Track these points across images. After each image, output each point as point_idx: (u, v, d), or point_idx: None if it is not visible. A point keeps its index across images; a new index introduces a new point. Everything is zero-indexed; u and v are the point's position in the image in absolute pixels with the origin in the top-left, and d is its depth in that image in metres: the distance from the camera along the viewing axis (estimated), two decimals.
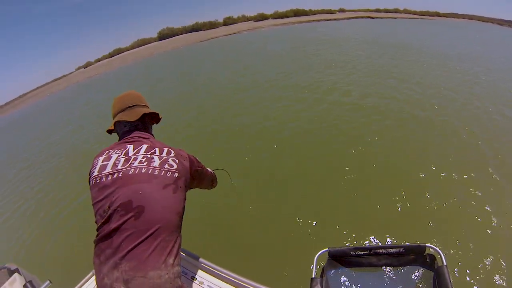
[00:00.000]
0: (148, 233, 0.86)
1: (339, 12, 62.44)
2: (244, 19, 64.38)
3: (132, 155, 1.00)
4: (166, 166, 0.99)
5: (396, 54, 11.01)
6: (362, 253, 1.13)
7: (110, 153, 1.03)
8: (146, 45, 66.12)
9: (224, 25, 64.00)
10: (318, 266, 1.15)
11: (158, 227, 0.88)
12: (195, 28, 64.52)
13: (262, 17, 59.54)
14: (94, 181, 0.97)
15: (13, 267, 1.61)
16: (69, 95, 26.44)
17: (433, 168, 3.38)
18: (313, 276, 1.10)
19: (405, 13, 58.33)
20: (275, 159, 4.15)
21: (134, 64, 32.66)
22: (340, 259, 1.17)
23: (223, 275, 1.28)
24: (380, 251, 1.12)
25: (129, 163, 0.98)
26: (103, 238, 0.87)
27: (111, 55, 79.20)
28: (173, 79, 14.08)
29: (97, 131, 8.45)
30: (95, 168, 1.00)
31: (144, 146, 1.04)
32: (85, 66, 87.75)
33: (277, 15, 56.87)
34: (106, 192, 0.93)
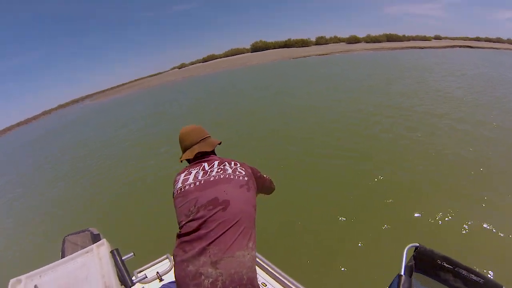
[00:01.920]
0: (234, 222, 1.04)
1: (434, 39, 58.66)
2: (336, 40, 64.54)
3: (208, 169, 1.23)
4: (237, 172, 1.22)
5: None
6: (446, 265, 1.08)
7: (189, 170, 1.26)
8: (239, 55, 69.88)
9: (316, 44, 64.84)
10: (405, 263, 1.11)
11: (241, 217, 1.07)
12: (288, 44, 66.48)
13: (354, 40, 59.00)
14: (178, 191, 1.18)
15: (95, 231, 1.72)
16: (157, 91, 30.35)
17: None
18: (402, 273, 1.05)
19: (509, 43, 50.79)
20: None
21: (224, 72, 34.52)
22: (425, 263, 1.13)
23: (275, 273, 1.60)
24: (463, 272, 1.05)
25: (208, 174, 1.20)
26: (189, 232, 1.05)
27: (204, 60, 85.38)
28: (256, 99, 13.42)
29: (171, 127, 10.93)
30: (178, 182, 1.22)
31: (216, 162, 1.27)
32: (180, 67, 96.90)
33: (370, 39, 55.73)
34: (190, 197, 1.13)
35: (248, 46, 76.70)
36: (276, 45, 69.88)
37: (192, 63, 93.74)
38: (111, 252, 1.26)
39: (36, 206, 6.91)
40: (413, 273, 1.13)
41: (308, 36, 71.13)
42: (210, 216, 1.05)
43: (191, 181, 1.19)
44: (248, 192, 1.19)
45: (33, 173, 10.33)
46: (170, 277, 1.50)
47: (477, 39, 56.63)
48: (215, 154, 1.42)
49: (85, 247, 1.43)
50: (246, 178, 1.22)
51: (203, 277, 0.97)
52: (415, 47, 42.11)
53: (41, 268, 1.23)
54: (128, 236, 4.04)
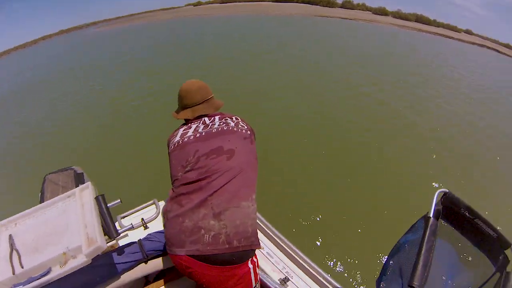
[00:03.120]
0: (239, 171, 1.00)
1: (464, 32, 56.11)
2: (363, 7, 61.23)
3: (210, 123, 1.18)
4: (240, 126, 1.18)
5: None
6: (468, 215, 1.06)
7: (189, 124, 1.20)
8: (260, 2, 66.15)
9: (341, 7, 61.83)
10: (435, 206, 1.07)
11: (246, 167, 1.03)
12: (311, 1, 63.24)
13: (382, 12, 55.81)
14: (176, 144, 1.11)
15: (79, 170, 1.60)
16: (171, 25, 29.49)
17: None
18: (431, 215, 1.03)
19: None
20: None
21: (241, 18, 32.68)
22: (450, 210, 1.11)
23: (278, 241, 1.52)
24: (480, 224, 1.04)
25: (209, 127, 1.15)
26: (186, 183, 0.99)
27: (222, 1, 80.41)
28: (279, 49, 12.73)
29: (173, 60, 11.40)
30: (176, 136, 1.16)
31: (217, 117, 1.23)
32: (195, 5, 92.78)
33: (398, 15, 52.67)
34: (189, 148, 1.06)
35: None
36: None
37: (209, 2, 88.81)
38: (96, 198, 1.14)
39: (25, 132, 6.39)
40: (443, 220, 1.12)
41: None
42: (213, 165, 0.99)
43: (191, 133, 1.13)
44: (251, 144, 1.15)
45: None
46: (156, 225, 1.41)
47: (507, 46, 54.30)
48: None
49: (67, 188, 1.35)
50: (248, 132, 1.18)
51: (203, 231, 0.90)
52: (442, 35, 40.56)
53: (17, 215, 1.12)
54: (114, 176, 3.81)
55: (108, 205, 1.16)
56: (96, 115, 6.60)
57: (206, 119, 1.21)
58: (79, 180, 1.49)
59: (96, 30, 63.28)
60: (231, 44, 14.52)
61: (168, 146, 1.17)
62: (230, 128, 1.14)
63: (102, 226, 1.06)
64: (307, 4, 61.86)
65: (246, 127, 1.20)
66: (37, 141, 5.73)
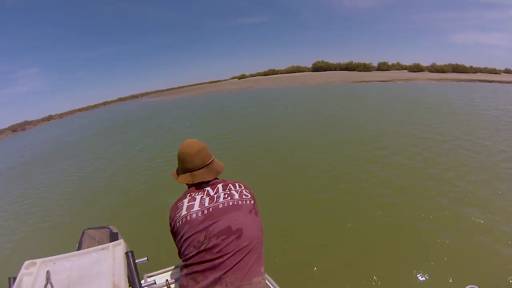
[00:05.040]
0: (249, 249, 1.10)
1: (504, 73, 54.75)
2: (399, 67, 63.44)
3: (214, 194, 1.23)
4: (244, 196, 1.24)
5: None
6: None
7: (192, 195, 1.25)
8: (299, 73, 70.75)
9: (378, 69, 64.47)
10: None
11: (255, 243, 1.13)
12: (349, 67, 66.74)
13: (417, 68, 57.31)
14: (184, 219, 1.17)
15: (114, 230, 1.79)
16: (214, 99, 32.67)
17: None
18: None
19: None
20: None
21: (287, 89, 34.16)
22: None
23: None
24: None
25: (215, 200, 1.20)
26: (201, 262, 1.08)
27: (265, 74, 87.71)
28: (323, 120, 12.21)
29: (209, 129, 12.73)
30: (182, 209, 1.21)
31: (220, 186, 1.28)
32: (240, 78, 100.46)
33: (434, 68, 53.85)
34: (200, 227, 1.13)
35: (309, 65, 78.20)
36: (338, 66, 70.16)
37: (252, 75, 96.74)
38: (126, 253, 1.32)
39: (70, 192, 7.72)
40: None
41: (369, 61, 69.52)
42: (225, 246, 1.08)
43: (197, 208, 1.18)
44: (256, 216, 1.22)
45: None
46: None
47: None
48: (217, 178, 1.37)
49: (102, 244, 1.53)
50: (252, 202, 1.26)
51: None
52: (483, 80, 39.42)
53: (56, 256, 1.33)
54: (145, 237, 4.11)
55: (136, 261, 1.33)
56: (137, 180, 7.47)
57: (210, 189, 1.26)
58: (113, 238, 1.67)
59: (148, 99, 73.36)
60: (278, 118, 14.19)
61: (172, 219, 1.23)
62: (236, 202, 1.21)
63: (128, 277, 1.22)
64: (345, 71, 64.77)
65: (249, 196, 1.27)
66: (83, 196, 7.10)
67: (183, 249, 1.16)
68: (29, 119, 72.05)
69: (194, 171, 1.32)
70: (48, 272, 1.24)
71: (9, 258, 4.88)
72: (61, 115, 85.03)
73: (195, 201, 1.22)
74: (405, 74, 50.25)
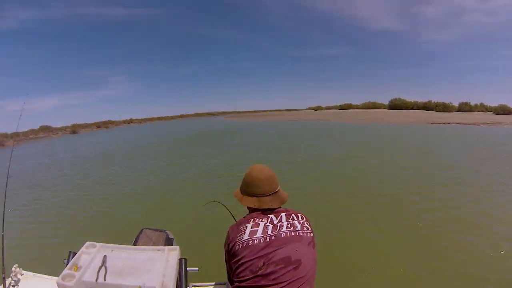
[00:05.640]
0: (304, 281, 1.14)
1: None
2: (483, 108, 58.95)
3: (277, 223, 1.26)
4: (305, 228, 1.28)
5: None
6: None
7: (256, 221, 1.27)
8: (375, 110, 69.57)
9: (458, 110, 60.86)
10: None
11: (310, 276, 1.17)
12: (427, 107, 64.59)
13: (504, 110, 52.22)
14: (245, 243, 1.20)
15: (171, 235, 1.89)
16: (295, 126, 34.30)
17: None
18: None
19: None
20: None
21: (362, 125, 33.40)
22: None
23: None
24: None
25: (278, 229, 1.23)
26: (255, 287, 1.12)
27: (341, 108, 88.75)
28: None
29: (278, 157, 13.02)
30: (244, 233, 1.24)
31: (283, 215, 1.31)
32: (315, 109, 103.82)
33: None
34: (260, 253, 1.16)
35: (385, 102, 77.25)
36: (415, 105, 68.17)
37: (328, 108, 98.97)
38: (180, 259, 1.42)
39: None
40: None
41: (450, 100, 65.24)
42: (282, 274, 1.11)
43: (260, 235, 1.21)
44: (314, 249, 1.25)
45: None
46: None
47: None
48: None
49: (157, 245, 1.69)
50: (312, 234, 1.29)
51: None
52: None
53: (115, 245, 1.48)
54: (199, 248, 4.20)
55: (187, 269, 1.43)
56: (206, 191, 7.92)
57: (273, 217, 1.29)
58: (168, 243, 1.81)
59: (224, 118, 79.15)
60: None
61: (232, 240, 1.27)
62: (297, 233, 1.24)
63: (176, 282, 1.30)
64: (423, 110, 62.40)
65: (310, 229, 1.30)
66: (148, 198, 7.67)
67: (238, 271, 1.19)
68: (112, 119, 78.35)
69: (261, 197, 1.35)
70: (105, 256, 1.39)
71: (72, 233, 5.42)
72: (140, 120, 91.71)
73: (258, 227, 1.24)
74: (490, 116, 46.83)
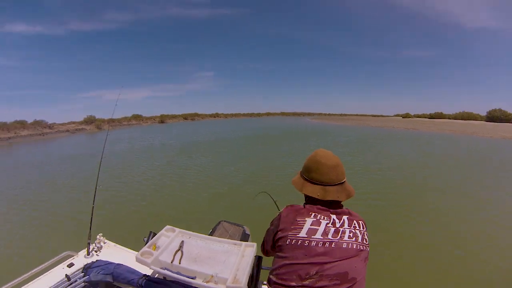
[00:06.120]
0: None
1: None
2: None
3: (340, 227, 1.13)
4: (364, 241, 1.16)
5: None
6: None
7: (318, 218, 1.14)
8: (470, 121, 63.10)
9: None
10: None
11: None
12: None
13: None
14: (300, 242, 1.09)
15: (247, 231, 1.91)
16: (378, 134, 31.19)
17: None
18: None
19: None
20: None
21: (453, 138, 27.71)
22: None
23: None
24: None
25: (339, 235, 1.11)
26: None
27: (431, 117, 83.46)
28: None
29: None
30: (302, 229, 1.11)
31: (345, 218, 1.17)
32: (404, 117, 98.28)
33: None
34: (316, 259, 1.06)
35: (482, 113, 68.87)
36: None
37: (418, 116, 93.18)
38: (255, 256, 1.41)
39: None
40: None
41: None
42: None
43: (320, 237, 1.09)
44: (365, 265, 1.15)
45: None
46: None
47: None
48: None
49: (233, 239, 1.74)
50: (368, 248, 1.17)
51: None
52: None
53: (193, 232, 1.55)
54: None
55: (262, 267, 1.42)
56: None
57: (336, 218, 1.15)
58: (244, 238, 1.85)
59: (309, 120, 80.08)
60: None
61: (283, 228, 1.16)
62: (358, 246, 1.12)
63: (249, 278, 1.28)
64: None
65: (367, 242, 1.18)
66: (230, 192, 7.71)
67: (282, 270, 1.10)
68: (199, 112, 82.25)
69: (327, 186, 1.20)
70: (182, 242, 1.46)
71: (152, 215, 5.69)
72: (226, 115, 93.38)
73: (319, 226, 1.12)
74: None
